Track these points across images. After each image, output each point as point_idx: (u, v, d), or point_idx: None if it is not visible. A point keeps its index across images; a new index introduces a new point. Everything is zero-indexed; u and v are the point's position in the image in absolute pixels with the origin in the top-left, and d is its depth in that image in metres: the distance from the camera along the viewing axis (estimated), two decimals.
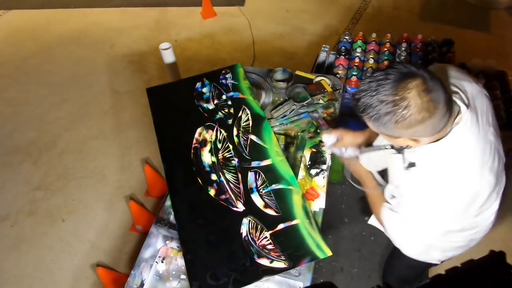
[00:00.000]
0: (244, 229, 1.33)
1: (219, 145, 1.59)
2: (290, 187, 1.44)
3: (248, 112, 1.70)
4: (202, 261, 1.27)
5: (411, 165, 1.04)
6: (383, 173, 1.44)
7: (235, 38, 3.59)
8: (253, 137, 1.61)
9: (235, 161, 1.53)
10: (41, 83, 3.31)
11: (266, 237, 1.31)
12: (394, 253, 1.56)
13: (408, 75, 0.85)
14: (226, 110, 1.72)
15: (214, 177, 1.49)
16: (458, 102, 0.98)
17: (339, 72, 2.30)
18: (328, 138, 1.47)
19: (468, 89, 1.06)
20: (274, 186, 1.44)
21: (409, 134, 0.92)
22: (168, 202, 1.49)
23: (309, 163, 1.57)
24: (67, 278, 2.14)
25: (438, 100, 0.86)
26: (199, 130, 1.65)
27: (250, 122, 1.66)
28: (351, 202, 2.30)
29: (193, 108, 1.75)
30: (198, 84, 1.86)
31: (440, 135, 0.97)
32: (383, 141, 1.24)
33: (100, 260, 2.18)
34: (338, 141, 1.45)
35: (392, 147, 1.18)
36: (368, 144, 1.40)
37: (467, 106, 0.99)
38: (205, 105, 1.76)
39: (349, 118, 1.97)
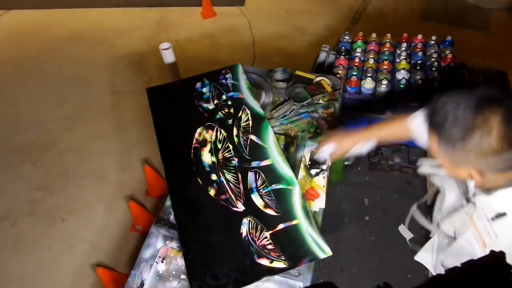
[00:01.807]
0: (244, 229, 1.33)
1: (219, 145, 1.59)
2: (290, 187, 1.43)
3: (248, 112, 1.70)
4: (202, 261, 1.27)
5: (500, 215, 0.92)
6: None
7: (235, 38, 3.59)
8: (253, 137, 1.61)
9: (235, 161, 1.53)
10: (41, 83, 3.31)
11: (266, 237, 1.31)
12: None
13: (494, 99, 0.80)
14: (226, 110, 1.72)
15: (214, 177, 1.49)
16: None
17: (339, 72, 2.30)
18: (326, 150, 1.41)
19: None
20: (274, 186, 1.44)
21: (476, 164, 0.84)
22: (168, 202, 1.48)
23: (309, 163, 1.57)
24: (67, 278, 2.14)
25: None
26: (199, 130, 1.65)
27: (250, 122, 1.66)
28: (351, 202, 2.30)
29: (193, 108, 1.75)
30: (198, 84, 1.85)
31: None
32: (450, 198, 1.11)
33: (100, 260, 2.18)
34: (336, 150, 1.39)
35: (468, 200, 1.03)
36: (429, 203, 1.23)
37: None
38: (205, 105, 1.76)
39: (349, 117, 1.98)
